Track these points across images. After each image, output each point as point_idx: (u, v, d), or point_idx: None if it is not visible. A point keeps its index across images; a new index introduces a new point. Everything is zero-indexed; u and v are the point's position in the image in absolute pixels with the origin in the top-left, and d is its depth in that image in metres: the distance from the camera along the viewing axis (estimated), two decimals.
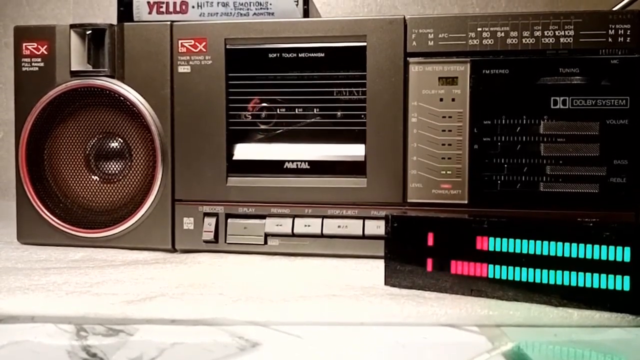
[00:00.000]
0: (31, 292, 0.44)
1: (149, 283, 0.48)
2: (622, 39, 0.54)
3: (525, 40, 0.55)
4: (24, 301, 0.43)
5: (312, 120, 0.60)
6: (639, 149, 0.54)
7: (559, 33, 0.55)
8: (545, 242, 0.41)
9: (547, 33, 0.55)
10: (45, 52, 0.63)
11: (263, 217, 0.60)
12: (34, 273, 0.51)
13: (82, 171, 0.63)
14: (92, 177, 0.63)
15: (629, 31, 0.54)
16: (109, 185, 0.62)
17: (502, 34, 0.56)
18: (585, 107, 0.55)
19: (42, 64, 0.63)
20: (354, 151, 0.59)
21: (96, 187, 0.62)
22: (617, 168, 0.55)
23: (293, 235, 0.59)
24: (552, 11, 0.57)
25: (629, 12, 0.55)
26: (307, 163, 0.60)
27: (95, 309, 0.41)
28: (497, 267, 0.43)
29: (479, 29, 0.56)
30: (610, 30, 0.54)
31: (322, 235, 0.59)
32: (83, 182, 0.63)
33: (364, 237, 0.58)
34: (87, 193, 0.62)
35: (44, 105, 0.62)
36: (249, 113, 0.60)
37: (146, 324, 0.40)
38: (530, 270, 0.41)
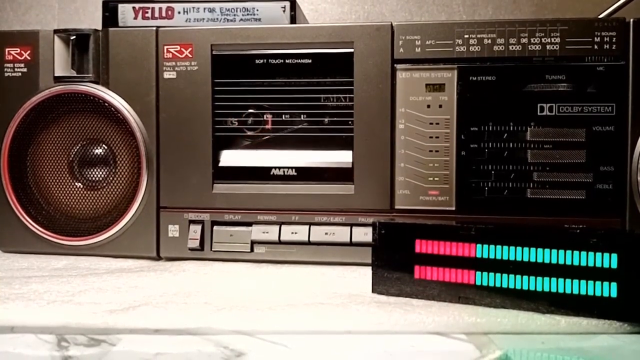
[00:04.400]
0: (11, 302, 0.43)
1: (132, 292, 0.47)
2: (607, 46, 0.54)
3: (512, 47, 0.56)
4: (2, 311, 0.42)
5: (299, 126, 0.59)
6: (624, 155, 0.55)
7: (545, 40, 0.55)
8: (533, 249, 0.41)
9: (534, 40, 0.55)
10: (29, 58, 0.62)
11: (249, 224, 0.59)
12: (14, 281, 0.50)
13: (66, 178, 0.62)
14: (76, 184, 0.62)
15: (614, 38, 0.54)
16: (92, 193, 0.61)
17: (489, 41, 0.56)
18: (572, 113, 0.55)
19: (25, 70, 0.62)
20: (342, 158, 0.58)
21: (80, 194, 0.61)
22: (603, 174, 0.55)
23: (280, 242, 0.59)
24: (538, 18, 0.57)
25: (614, 20, 0.55)
26: (294, 170, 0.59)
27: (77, 319, 0.41)
28: (485, 274, 0.42)
29: (466, 36, 0.56)
30: (596, 38, 0.55)
31: (309, 243, 0.58)
32: (66, 189, 0.62)
33: (351, 244, 0.58)
34: (70, 200, 0.62)
35: (27, 111, 0.61)
36: (236, 119, 0.60)
37: (129, 334, 0.39)
38: (518, 277, 0.41)
